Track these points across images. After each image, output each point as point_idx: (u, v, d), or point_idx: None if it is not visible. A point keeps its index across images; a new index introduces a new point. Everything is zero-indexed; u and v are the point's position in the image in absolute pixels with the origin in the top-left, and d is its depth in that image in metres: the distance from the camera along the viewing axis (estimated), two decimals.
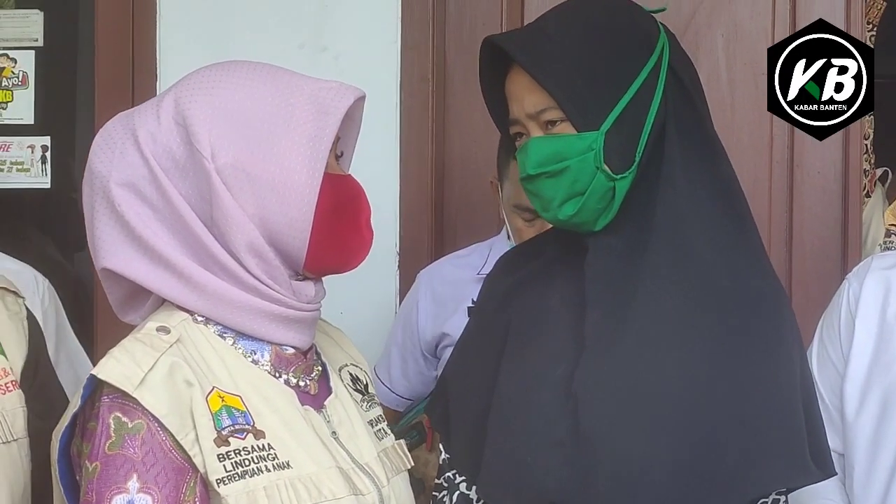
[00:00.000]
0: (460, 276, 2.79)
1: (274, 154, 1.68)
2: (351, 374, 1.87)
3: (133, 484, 1.58)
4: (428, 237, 3.13)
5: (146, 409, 1.60)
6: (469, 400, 1.88)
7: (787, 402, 1.74)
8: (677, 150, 1.78)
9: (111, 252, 1.71)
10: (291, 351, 1.75)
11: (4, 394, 2.03)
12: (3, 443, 2.01)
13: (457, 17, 3.20)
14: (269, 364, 1.73)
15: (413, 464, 1.89)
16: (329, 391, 1.79)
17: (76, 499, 1.65)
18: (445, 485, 1.91)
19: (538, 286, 1.87)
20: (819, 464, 1.77)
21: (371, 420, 1.84)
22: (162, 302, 1.74)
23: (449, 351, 2.70)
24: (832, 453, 2.13)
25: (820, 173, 3.12)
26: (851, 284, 2.22)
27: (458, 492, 1.88)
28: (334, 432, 1.75)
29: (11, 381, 2.05)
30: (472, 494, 1.87)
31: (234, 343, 1.72)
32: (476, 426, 1.84)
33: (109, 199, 1.70)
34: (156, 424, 1.60)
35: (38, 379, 2.12)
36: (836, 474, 1.82)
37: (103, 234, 1.72)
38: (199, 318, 1.71)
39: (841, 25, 3.06)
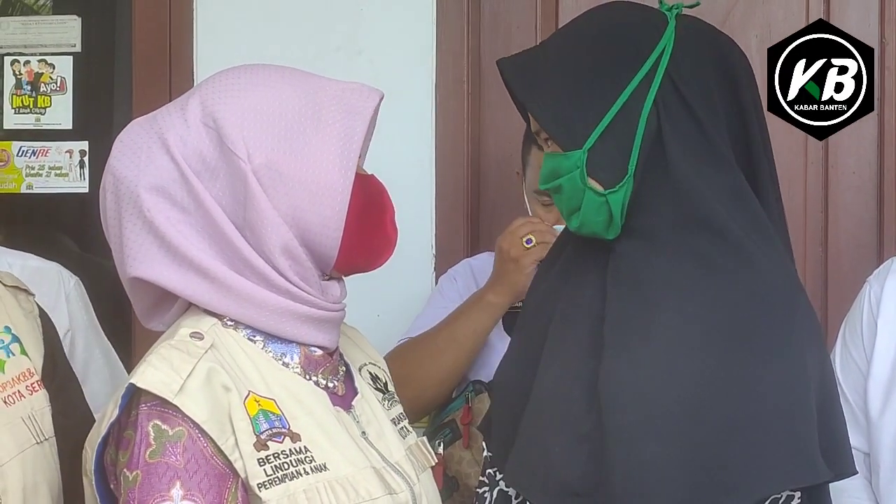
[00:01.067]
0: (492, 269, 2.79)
1: (306, 154, 1.68)
2: (371, 374, 1.88)
3: (177, 492, 1.58)
4: (464, 239, 3.14)
5: (187, 416, 1.60)
6: (509, 399, 1.91)
7: (796, 402, 1.74)
8: (680, 154, 1.78)
9: (140, 260, 1.69)
10: (319, 352, 1.75)
11: (32, 394, 2.03)
12: (37, 443, 2.03)
13: (491, 19, 3.21)
14: (299, 366, 1.73)
15: (437, 461, 1.90)
16: (355, 391, 1.80)
17: None
18: (487, 481, 1.93)
19: (576, 276, 1.89)
20: (832, 462, 1.76)
21: (393, 419, 1.85)
22: (187, 307, 1.74)
23: None
24: (858, 453, 2.16)
25: (855, 173, 3.12)
26: (872, 286, 2.25)
27: (498, 488, 1.90)
28: (364, 432, 1.76)
29: (37, 381, 2.05)
30: (511, 492, 1.88)
31: (263, 346, 1.71)
32: (514, 424, 1.86)
33: (138, 205, 1.68)
34: (196, 431, 1.60)
35: (57, 376, 2.12)
36: (854, 473, 1.82)
37: (131, 241, 1.70)
38: (229, 323, 1.71)
39: (875, 26, 3.07)
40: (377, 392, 1.85)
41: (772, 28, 3.14)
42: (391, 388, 1.90)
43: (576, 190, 1.80)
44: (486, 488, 1.92)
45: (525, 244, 2.51)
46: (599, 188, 1.78)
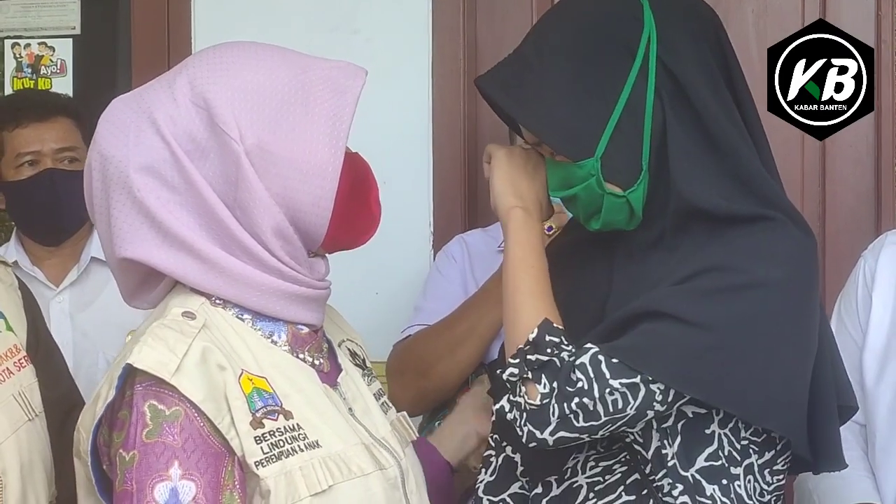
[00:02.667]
0: (486, 247, 2.80)
1: (297, 134, 1.68)
2: (349, 350, 1.88)
3: (175, 471, 1.57)
4: (461, 216, 3.15)
5: (183, 396, 1.59)
6: None
7: (799, 357, 1.77)
8: (681, 147, 1.77)
9: (129, 241, 1.67)
10: (306, 330, 1.75)
11: (20, 370, 2.05)
12: (29, 420, 2.04)
13: None
14: (287, 344, 1.73)
15: (417, 435, 1.92)
16: (339, 368, 1.81)
17: (106, 489, 1.64)
18: (493, 444, 1.94)
19: (580, 258, 1.91)
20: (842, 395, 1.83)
21: (374, 394, 1.86)
22: (172, 285, 1.73)
23: None
24: (854, 424, 2.19)
25: (852, 146, 3.12)
26: (867, 260, 2.26)
27: (504, 454, 1.91)
28: (350, 409, 1.76)
29: (24, 357, 2.07)
30: (517, 457, 1.89)
31: (252, 325, 1.71)
32: None
33: (128, 185, 1.66)
34: (193, 411, 1.59)
35: (41, 348, 2.13)
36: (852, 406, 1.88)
37: (120, 222, 1.68)
38: (218, 301, 1.70)
39: (872, 7, 3.07)
40: (357, 368, 1.86)
41: (768, 3, 3.14)
42: (368, 363, 1.91)
43: (594, 196, 1.79)
44: (492, 452, 1.93)
45: (546, 232, 2.51)
46: (618, 190, 1.78)
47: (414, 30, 3.15)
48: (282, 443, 1.63)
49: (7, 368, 2.05)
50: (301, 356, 1.74)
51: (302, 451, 1.64)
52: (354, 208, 1.76)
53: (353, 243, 1.79)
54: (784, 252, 1.76)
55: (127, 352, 1.65)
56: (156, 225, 1.67)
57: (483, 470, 1.94)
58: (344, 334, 1.90)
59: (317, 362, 1.76)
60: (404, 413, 1.89)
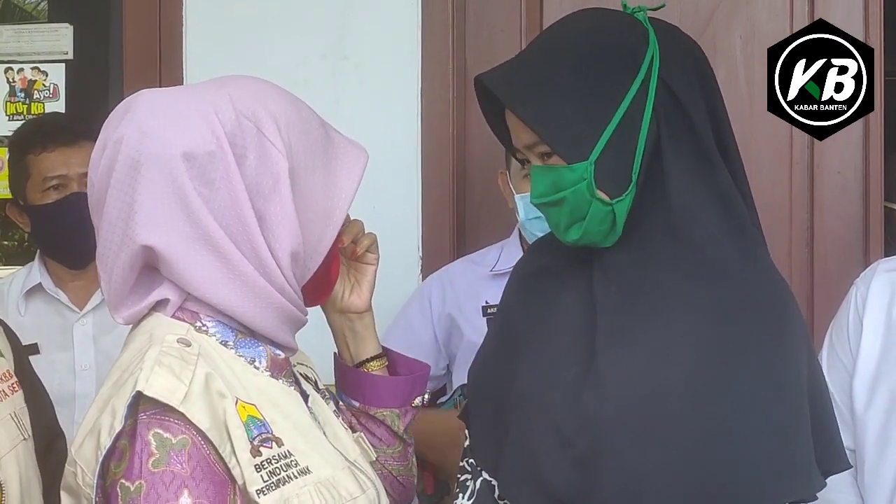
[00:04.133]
0: (473, 274, 2.81)
1: (324, 172, 1.71)
2: (302, 374, 1.87)
3: (185, 499, 1.55)
4: (450, 240, 3.16)
5: (191, 424, 1.57)
6: (487, 392, 1.92)
7: (791, 412, 1.74)
8: (673, 164, 1.78)
9: (156, 227, 1.63)
10: (283, 356, 1.75)
11: (13, 393, 2.06)
12: (23, 440, 2.05)
13: (476, 24, 3.23)
14: (268, 370, 1.72)
15: (375, 456, 1.91)
16: (304, 393, 1.80)
17: None
18: (469, 468, 1.93)
19: (556, 280, 1.89)
20: (826, 462, 1.77)
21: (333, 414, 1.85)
22: (152, 305, 1.70)
23: (461, 349, 2.74)
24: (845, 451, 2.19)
25: (840, 173, 3.13)
26: (859, 288, 2.27)
27: (481, 478, 1.90)
28: (324, 433, 1.75)
29: (15, 382, 2.09)
30: (495, 483, 1.88)
31: (235, 351, 1.70)
32: (492, 417, 1.87)
33: (169, 167, 1.62)
34: (200, 438, 1.58)
35: (25, 376, 2.15)
36: (848, 467, 1.84)
37: (150, 205, 1.63)
38: (202, 328, 1.69)
39: (859, 25, 3.08)
40: (317, 392, 1.85)
41: (755, 29, 3.16)
42: (321, 385, 1.90)
43: (582, 201, 1.77)
44: (468, 476, 1.93)
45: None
46: (606, 198, 1.77)
47: (403, 56, 3.16)
48: (278, 470, 1.62)
49: (3, 390, 2.06)
50: (280, 381, 1.73)
51: (295, 477, 1.63)
52: (327, 265, 1.77)
53: (311, 301, 1.79)
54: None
55: (122, 381, 1.62)
56: (190, 216, 1.63)
57: (460, 494, 1.93)
58: (296, 359, 1.86)
59: (292, 388, 1.75)
60: (362, 434, 1.89)
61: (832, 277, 3.07)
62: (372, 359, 1.96)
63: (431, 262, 3.11)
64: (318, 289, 1.79)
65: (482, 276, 2.78)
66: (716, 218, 1.78)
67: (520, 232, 2.82)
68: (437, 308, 2.82)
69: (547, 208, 1.82)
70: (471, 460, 1.93)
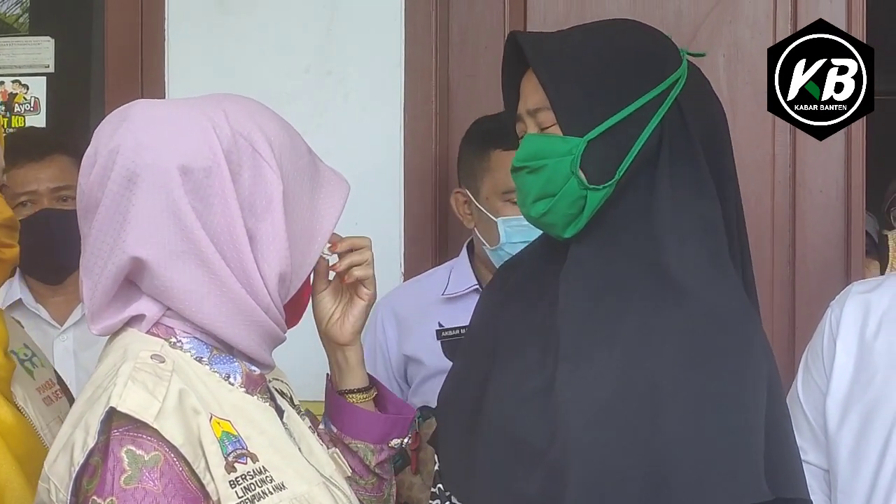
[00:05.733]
0: (423, 299, 2.81)
1: (313, 196, 1.72)
2: (277, 389, 1.86)
3: None
4: (432, 257, 3.14)
5: (164, 440, 1.57)
6: (455, 416, 1.92)
7: (745, 421, 1.74)
8: (664, 179, 1.80)
9: (148, 239, 1.62)
10: (258, 372, 1.75)
11: (57, 400, 2.09)
12: None
13: (459, 39, 3.23)
14: (243, 385, 1.72)
15: (350, 471, 1.91)
16: (279, 409, 1.79)
17: None
18: (437, 493, 1.94)
19: (525, 296, 1.91)
20: (779, 484, 1.75)
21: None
22: (128, 319, 1.69)
23: (420, 375, 2.74)
24: (818, 470, 2.20)
25: (822, 191, 3.13)
26: (833, 310, 2.30)
27: (448, 503, 1.91)
28: (299, 448, 1.75)
29: (58, 390, 2.11)
30: None
31: (210, 367, 1.70)
32: (460, 441, 1.88)
33: (164, 179, 1.62)
34: (173, 455, 1.57)
35: (63, 390, 2.16)
36: (804, 497, 1.84)
37: (143, 217, 1.62)
38: (177, 343, 1.68)
39: None
40: (292, 408, 1.85)
41: (739, 47, 3.17)
42: (296, 401, 1.90)
43: (560, 175, 1.80)
44: (437, 501, 1.94)
45: None
46: (584, 180, 1.79)
47: (386, 71, 3.16)
48: (253, 486, 1.62)
49: (49, 396, 2.08)
50: (254, 397, 1.73)
51: (270, 493, 1.63)
52: (303, 290, 1.78)
53: (288, 322, 1.79)
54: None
55: (96, 397, 1.62)
56: (182, 230, 1.63)
57: None
58: (272, 374, 1.86)
59: (267, 404, 1.75)
60: (337, 450, 1.89)
61: (813, 294, 3.07)
62: (356, 391, 1.94)
63: (413, 277, 3.09)
64: (292, 311, 1.79)
65: (432, 301, 2.78)
66: (692, 240, 1.80)
67: (468, 251, 2.82)
68: (392, 350, 2.82)
69: (525, 175, 1.84)
70: (440, 485, 1.94)
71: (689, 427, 1.72)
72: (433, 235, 3.16)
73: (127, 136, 1.63)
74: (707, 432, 1.72)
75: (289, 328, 1.79)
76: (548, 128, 1.82)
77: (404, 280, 3.14)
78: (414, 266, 3.13)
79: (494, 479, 1.80)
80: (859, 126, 3.04)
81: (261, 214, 1.66)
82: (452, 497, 1.91)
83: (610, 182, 1.79)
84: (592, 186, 1.79)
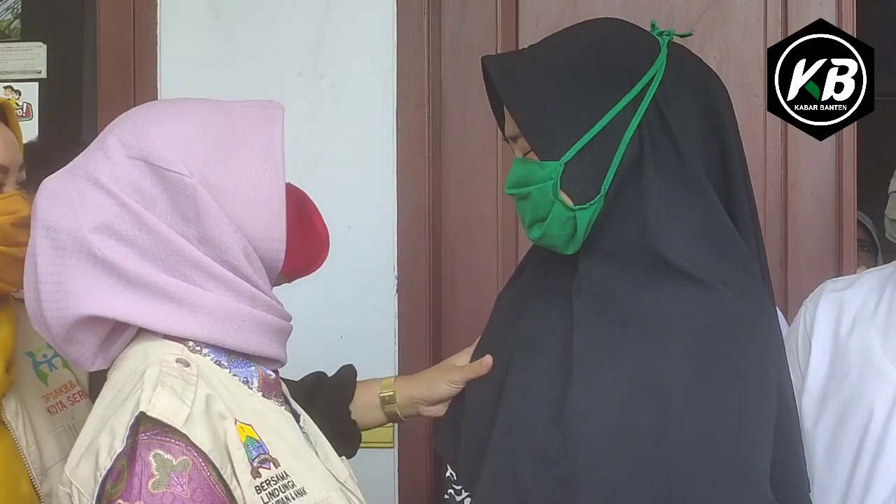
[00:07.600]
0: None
1: (234, 165, 1.69)
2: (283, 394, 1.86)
3: None
4: (426, 262, 3.14)
5: (192, 445, 1.57)
6: (476, 424, 1.92)
7: (753, 437, 1.74)
8: (655, 185, 1.78)
9: (94, 298, 1.66)
10: (273, 375, 1.76)
11: (73, 404, 2.10)
12: None
13: (452, 44, 3.23)
14: (260, 390, 1.72)
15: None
16: (295, 412, 1.80)
17: None
18: (448, 499, 1.94)
19: (540, 299, 1.90)
20: (783, 496, 1.77)
21: None
22: (128, 341, 1.71)
23: None
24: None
25: (814, 193, 3.14)
26: (808, 308, 2.30)
27: (452, 488, 1.91)
28: (316, 453, 1.75)
29: (79, 392, 2.12)
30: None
31: (230, 371, 1.70)
32: (481, 451, 1.87)
33: (85, 247, 1.66)
34: (201, 460, 1.57)
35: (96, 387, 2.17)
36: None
37: (79, 282, 1.66)
38: (196, 347, 1.69)
39: None
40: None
41: (730, 50, 3.17)
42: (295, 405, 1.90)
43: (545, 201, 1.79)
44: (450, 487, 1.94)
45: None
46: (569, 203, 1.78)
47: (379, 75, 3.16)
48: (277, 492, 1.62)
49: (61, 402, 2.09)
50: (272, 401, 1.73)
51: (293, 498, 1.63)
52: (303, 230, 1.78)
53: (310, 267, 1.81)
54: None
55: (119, 401, 1.62)
56: (123, 277, 1.66)
57: None
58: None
59: (283, 407, 1.75)
60: (344, 457, 1.88)
61: (805, 296, 3.01)
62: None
63: (407, 282, 3.11)
64: (306, 251, 1.79)
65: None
66: (693, 242, 1.78)
67: None
68: None
69: (517, 200, 1.85)
70: (450, 491, 1.94)
71: (696, 442, 1.71)
72: (427, 239, 3.15)
73: (38, 223, 1.69)
74: (714, 447, 1.71)
75: (318, 266, 1.83)
76: (528, 153, 1.82)
77: (397, 284, 3.14)
78: (408, 270, 3.13)
79: (505, 481, 1.80)
80: (850, 128, 3.03)
81: (194, 218, 1.67)
82: (463, 488, 1.91)
83: (595, 199, 1.78)
84: (578, 207, 1.78)
